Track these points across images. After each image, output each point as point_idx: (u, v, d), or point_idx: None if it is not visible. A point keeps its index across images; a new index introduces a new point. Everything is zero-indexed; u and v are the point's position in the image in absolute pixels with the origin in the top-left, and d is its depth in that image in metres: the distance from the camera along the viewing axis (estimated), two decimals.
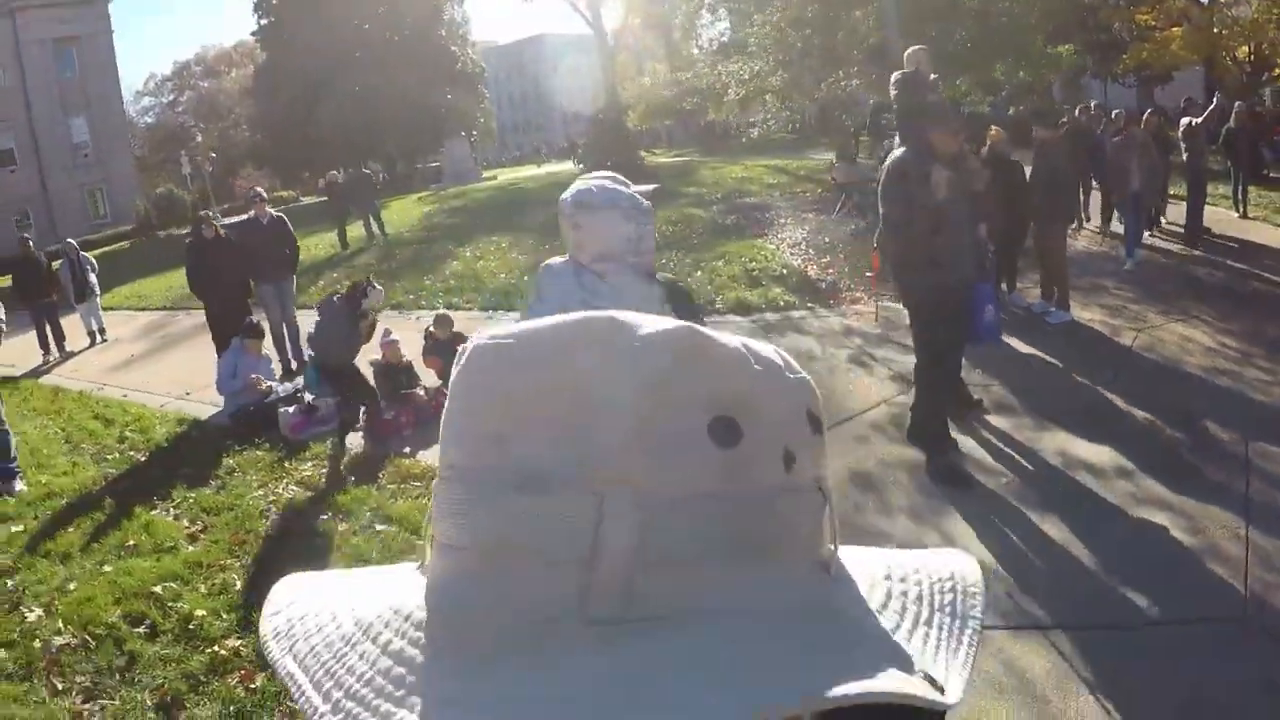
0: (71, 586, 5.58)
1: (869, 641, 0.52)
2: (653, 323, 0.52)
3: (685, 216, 15.52)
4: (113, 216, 49.60)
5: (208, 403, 9.52)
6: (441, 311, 9.07)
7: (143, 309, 18.00)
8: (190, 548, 6.07)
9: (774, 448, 0.53)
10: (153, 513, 6.69)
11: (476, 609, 0.50)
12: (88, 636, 4.97)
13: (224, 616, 5.15)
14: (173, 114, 70.33)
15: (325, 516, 6.24)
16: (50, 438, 9.34)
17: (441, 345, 8.27)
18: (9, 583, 5.76)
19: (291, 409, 8.01)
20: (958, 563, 0.62)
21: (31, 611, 5.32)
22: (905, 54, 6.91)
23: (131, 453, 8.39)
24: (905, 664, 0.50)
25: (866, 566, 0.59)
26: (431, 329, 8.45)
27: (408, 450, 7.27)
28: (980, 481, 5.56)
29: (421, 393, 7.86)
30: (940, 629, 0.55)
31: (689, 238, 13.84)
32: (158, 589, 5.43)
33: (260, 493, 6.85)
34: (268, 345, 9.41)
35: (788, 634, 0.49)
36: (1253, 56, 27.58)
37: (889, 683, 0.47)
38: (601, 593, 0.48)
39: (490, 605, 0.49)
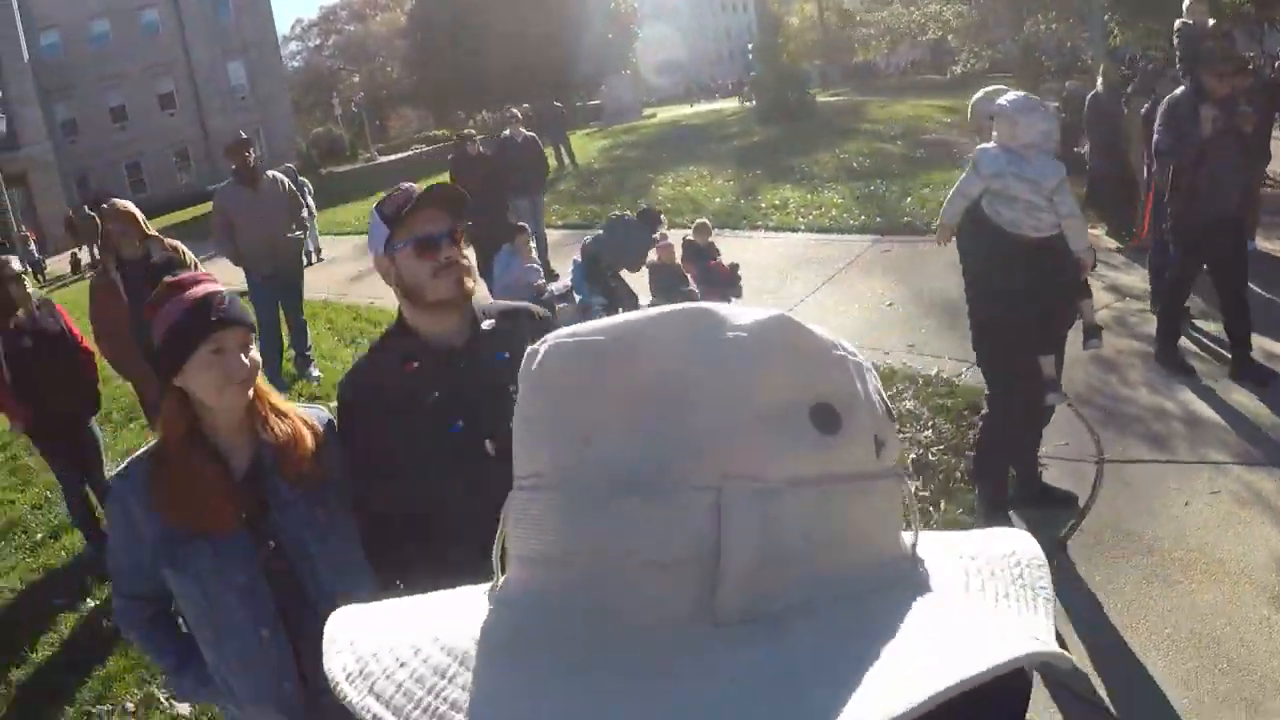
0: None
1: (976, 618, 0.52)
2: (747, 313, 0.51)
3: (876, 150, 15.83)
4: (270, 156, 51.77)
5: None
6: (701, 220, 9.76)
7: (343, 234, 19.02)
8: None
9: (867, 434, 0.53)
10: None
11: (585, 621, 0.48)
12: None
13: None
14: (320, 58, 72.44)
15: None
16: (320, 334, 10.14)
17: (698, 250, 8.99)
18: None
19: (565, 305, 8.80)
20: (1016, 540, 0.62)
21: None
22: (1185, 5, 7.56)
23: None
24: (1014, 633, 0.50)
25: (938, 547, 0.59)
26: (690, 236, 9.16)
27: None
28: (1198, 368, 6.33)
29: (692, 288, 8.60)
30: (1019, 601, 0.55)
31: (888, 167, 14.18)
32: None
33: None
34: None
35: (903, 621, 0.49)
36: None
37: (1019, 647, 0.47)
38: (729, 591, 0.46)
39: (603, 615, 0.48)
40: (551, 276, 10.43)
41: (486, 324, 2.42)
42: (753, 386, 0.48)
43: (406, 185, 2.39)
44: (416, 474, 2.28)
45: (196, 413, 2.16)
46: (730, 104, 36.34)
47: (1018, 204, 4.26)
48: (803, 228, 11.83)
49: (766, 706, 0.42)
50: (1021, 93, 4.50)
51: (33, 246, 28.96)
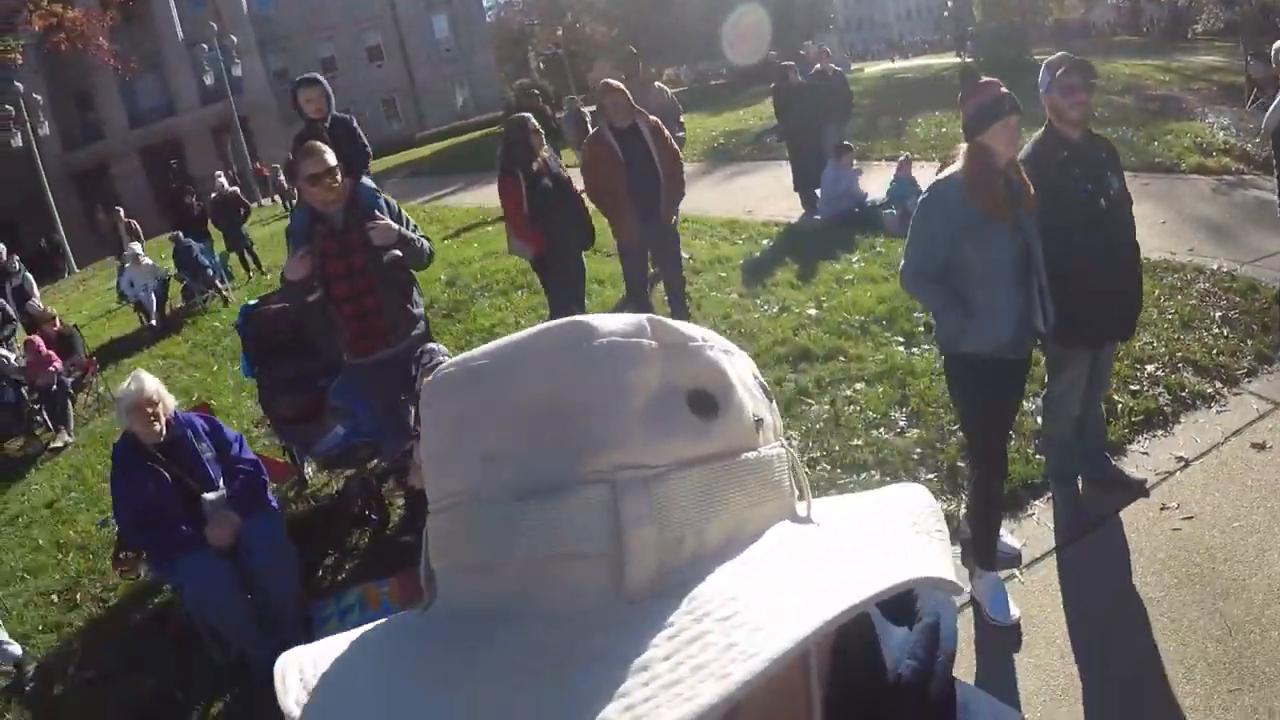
0: (813, 309, 8.60)
1: (873, 554, 0.56)
2: (613, 319, 0.56)
3: (1108, 101, 16.92)
4: (476, 107, 54.19)
5: (779, 216, 12.48)
6: None
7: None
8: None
9: (744, 414, 0.58)
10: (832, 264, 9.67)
11: (515, 623, 0.51)
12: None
13: None
14: (512, 14, 74.80)
15: None
16: None
17: None
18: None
19: (890, 211, 10.75)
20: (907, 493, 0.67)
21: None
22: None
23: (754, 238, 11.53)
24: (911, 562, 0.55)
25: (831, 510, 0.64)
26: None
27: None
28: None
29: None
30: (915, 547, 0.59)
31: (1126, 117, 15.45)
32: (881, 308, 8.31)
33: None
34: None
35: (803, 563, 0.53)
36: None
37: (913, 569, 0.53)
38: (636, 570, 0.50)
39: (530, 614, 0.51)
40: None
41: (1094, 133, 4.45)
42: (629, 385, 0.53)
43: (1063, 54, 4.45)
44: (1063, 217, 4.15)
45: (985, 159, 3.76)
46: (935, 60, 37.36)
47: None
48: None
49: (675, 658, 0.45)
50: None
51: (282, 177, 31.83)
